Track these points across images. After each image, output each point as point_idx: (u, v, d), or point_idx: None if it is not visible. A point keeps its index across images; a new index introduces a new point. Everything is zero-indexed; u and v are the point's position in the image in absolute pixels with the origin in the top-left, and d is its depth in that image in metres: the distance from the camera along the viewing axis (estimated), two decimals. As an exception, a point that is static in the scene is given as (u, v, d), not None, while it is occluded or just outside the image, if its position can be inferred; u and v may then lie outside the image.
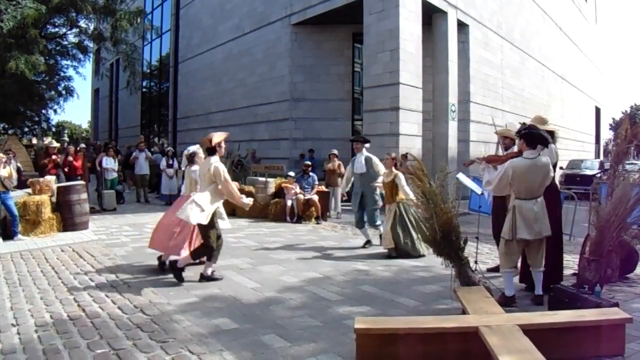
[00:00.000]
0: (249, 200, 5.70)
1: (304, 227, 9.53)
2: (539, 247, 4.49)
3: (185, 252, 5.69)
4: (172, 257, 5.61)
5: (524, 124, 5.00)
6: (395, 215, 6.67)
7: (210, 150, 5.41)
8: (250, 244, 7.63)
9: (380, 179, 7.10)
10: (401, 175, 6.63)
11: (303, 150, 15.11)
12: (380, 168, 7.22)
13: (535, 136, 4.44)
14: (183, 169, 6.57)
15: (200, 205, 5.17)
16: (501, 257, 4.59)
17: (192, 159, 6.35)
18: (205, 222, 5.24)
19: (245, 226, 9.51)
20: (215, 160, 5.33)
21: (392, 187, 6.73)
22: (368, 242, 7.50)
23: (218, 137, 5.45)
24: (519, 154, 4.52)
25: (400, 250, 6.63)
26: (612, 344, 3.24)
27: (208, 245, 5.37)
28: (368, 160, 7.33)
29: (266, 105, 16.29)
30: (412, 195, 6.06)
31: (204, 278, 5.41)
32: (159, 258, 5.93)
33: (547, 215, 4.44)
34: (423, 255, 6.58)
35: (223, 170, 5.28)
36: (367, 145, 7.56)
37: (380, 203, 7.35)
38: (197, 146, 6.44)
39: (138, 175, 13.89)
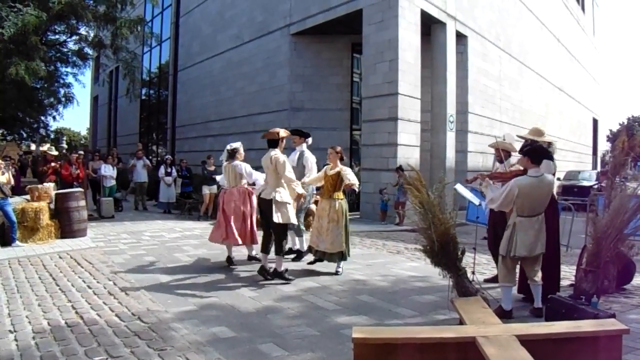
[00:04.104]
0: (302, 190, 6.02)
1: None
2: (535, 261, 4.52)
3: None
4: (271, 265, 5.83)
5: (519, 136, 5.03)
6: (345, 214, 6.07)
7: (273, 143, 5.81)
8: (246, 252, 7.60)
9: (309, 177, 6.56)
10: (347, 169, 6.16)
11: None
12: (310, 163, 6.73)
13: (539, 152, 4.47)
14: (225, 163, 6.63)
15: (285, 203, 5.60)
16: (500, 272, 4.61)
17: (233, 154, 6.60)
18: (295, 220, 5.72)
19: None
20: (276, 152, 5.73)
21: (336, 181, 6.05)
22: (298, 253, 6.82)
23: (283, 132, 5.97)
24: (524, 172, 4.54)
25: (326, 257, 6.12)
26: (609, 355, 3.24)
27: (284, 239, 5.78)
28: (301, 156, 6.79)
29: (265, 115, 16.32)
30: (357, 183, 6.14)
31: (277, 275, 5.70)
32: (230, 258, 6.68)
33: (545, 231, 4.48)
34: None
35: (284, 160, 5.68)
36: (309, 140, 6.83)
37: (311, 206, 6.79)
38: (239, 143, 6.79)
39: (137, 183, 13.89)
